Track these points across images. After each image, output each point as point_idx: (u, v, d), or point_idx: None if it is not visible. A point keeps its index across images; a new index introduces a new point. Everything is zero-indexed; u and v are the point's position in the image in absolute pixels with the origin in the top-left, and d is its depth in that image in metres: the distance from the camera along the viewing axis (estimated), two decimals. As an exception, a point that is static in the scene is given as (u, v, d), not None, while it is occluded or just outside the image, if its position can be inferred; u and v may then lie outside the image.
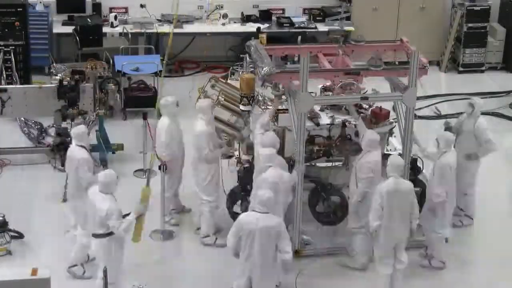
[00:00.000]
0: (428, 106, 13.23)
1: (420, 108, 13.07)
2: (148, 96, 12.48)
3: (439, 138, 9.16)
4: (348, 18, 14.51)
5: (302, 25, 14.27)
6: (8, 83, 11.89)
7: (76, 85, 10.73)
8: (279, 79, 9.00)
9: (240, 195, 9.34)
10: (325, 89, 9.80)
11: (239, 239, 7.80)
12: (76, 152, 8.84)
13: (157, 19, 14.08)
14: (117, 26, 13.82)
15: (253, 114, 9.45)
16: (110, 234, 7.88)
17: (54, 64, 12.48)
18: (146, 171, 10.57)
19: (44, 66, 13.54)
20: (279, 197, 8.33)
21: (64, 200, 9.97)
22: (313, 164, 9.41)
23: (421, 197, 9.14)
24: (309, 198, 9.42)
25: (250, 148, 9.48)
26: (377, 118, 9.47)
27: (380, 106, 9.53)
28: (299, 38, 13.74)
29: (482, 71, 14.80)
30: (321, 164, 9.45)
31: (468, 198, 9.86)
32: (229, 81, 10.63)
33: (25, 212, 9.83)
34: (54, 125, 10.95)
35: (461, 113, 10.13)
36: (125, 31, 13.61)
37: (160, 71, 12.65)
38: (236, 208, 9.34)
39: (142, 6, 14.06)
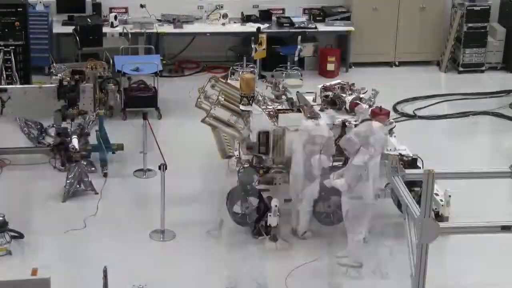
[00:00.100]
0: (428, 106, 13.25)
1: (420, 108, 13.10)
2: (148, 96, 12.49)
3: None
4: (348, 18, 14.53)
5: (302, 25, 14.28)
6: (8, 83, 11.88)
7: (76, 85, 10.72)
8: None
9: (240, 195, 9.34)
10: (325, 89, 9.82)
11: None
12: None
13: (157, 19, 14.10)
14: (117, 26, 13.82)
15: (253, 114, 9.45)
16: None
17: (54, 64, 12.48)
18: (145, 171, 10.63)
19: (44, 66, 13.54)
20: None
21: (64, 200, 10.00)
22: (313, 164, 9.42)
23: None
24: (309, 198, 9.42)
25: (250, 148, 9.47)
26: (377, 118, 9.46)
27: (380, 106, 9.52)
28: (299, 38, 13.86)
29: (482, 71, 14.80)
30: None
31: None
32: (229, 81, 10.63)
33: (25, 212, 9.82)
34: (54, 125, 10.94)
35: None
36: (125, 31, 13.61)
37: (161, 71, 12.69)
38: (236, 208, 9.34)
39: (142, 6, 14.07)
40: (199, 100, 10.05)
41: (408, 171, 8.30)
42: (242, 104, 9.37)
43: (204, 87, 10.16)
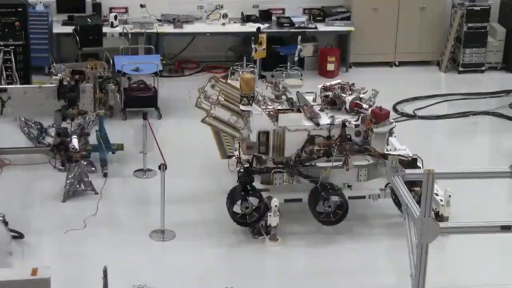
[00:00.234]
0: (428, 106, 13.25)
1: (420, 108, 13.10)
2: (148, 96, 12.49)
3: None
4: (348, 18, 14.53)
5: (302, 25, 14.27)
6: (8, 83, 11.88)
7: (76, 85, 10.71)
8: None
9: (240, 195, 9.33)
10: (325, 89, 9.81)
11: None
12: None
13: (157, 19, 14.09)
14: (117, 26, 13.82)
15: (253, 114, 9.44)
16: None
17: (54, 64, 12.48)
18: (145, 171, 10.63)
19: (44, 66, 13.55)
20: None
21: (64, 200, 10.00)
22: (313, 164, 9.41)
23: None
24: (309, 198, 9.42)
25: (250, 148, 9.47)
26: (377, 118, 9.46)
27: (380, 106, 9.52)
28: (299, 38, 13.86)
29: (482, 71, 14.80)
30: (321, 164, 9.45)
31: None
32: (229, 81, 10.63)
33: (25, 212, 9.82)
34: (54, 125, 10.93)
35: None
36: (125, 31, 13.61)
37: (161, 71, 12.69)
38: (236, 208, 9.34)
39: (142, 6, 14.07)
40: (199, 100, 10.05)
41: (408, 171, 8.29)
42: (242, 104, 9.37)
43: (204, 87, 10.16)
